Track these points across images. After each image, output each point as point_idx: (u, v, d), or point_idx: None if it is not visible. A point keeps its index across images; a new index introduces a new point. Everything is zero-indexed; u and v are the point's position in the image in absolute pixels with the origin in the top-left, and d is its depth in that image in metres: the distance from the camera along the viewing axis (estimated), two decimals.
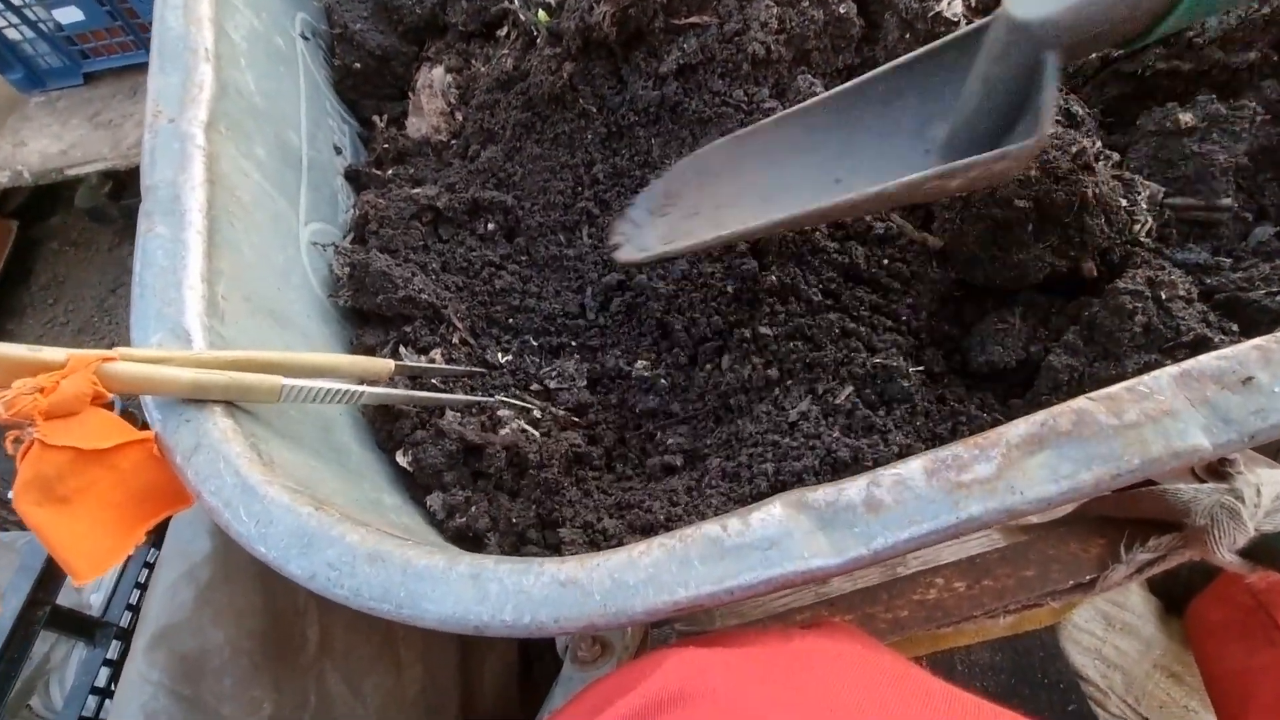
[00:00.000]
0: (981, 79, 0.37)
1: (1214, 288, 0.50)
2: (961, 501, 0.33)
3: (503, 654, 0.80)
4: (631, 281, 0.62)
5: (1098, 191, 0.47)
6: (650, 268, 0.63)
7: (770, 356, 0.54)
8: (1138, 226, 0.50)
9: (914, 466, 0.35)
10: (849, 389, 0.50)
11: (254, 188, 0.57)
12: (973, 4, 0.60)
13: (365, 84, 0.81)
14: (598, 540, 0.47)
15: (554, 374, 0.60)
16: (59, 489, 0.35)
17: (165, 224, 0.47)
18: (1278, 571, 0.54)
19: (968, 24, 0.63)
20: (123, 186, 1.39)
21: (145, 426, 0.41)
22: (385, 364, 0.52)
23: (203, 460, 0.38)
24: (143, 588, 0.61)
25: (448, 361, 0.59)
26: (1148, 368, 0.45)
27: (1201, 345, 0.45)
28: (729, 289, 0.58)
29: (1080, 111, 0.58)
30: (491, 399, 0.57)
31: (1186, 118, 0.54)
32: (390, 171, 0.73)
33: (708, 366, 0.57)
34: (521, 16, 0.69)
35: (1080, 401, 0.35)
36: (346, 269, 0.60)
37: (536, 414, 0.57)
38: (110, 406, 0.66)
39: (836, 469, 0.49)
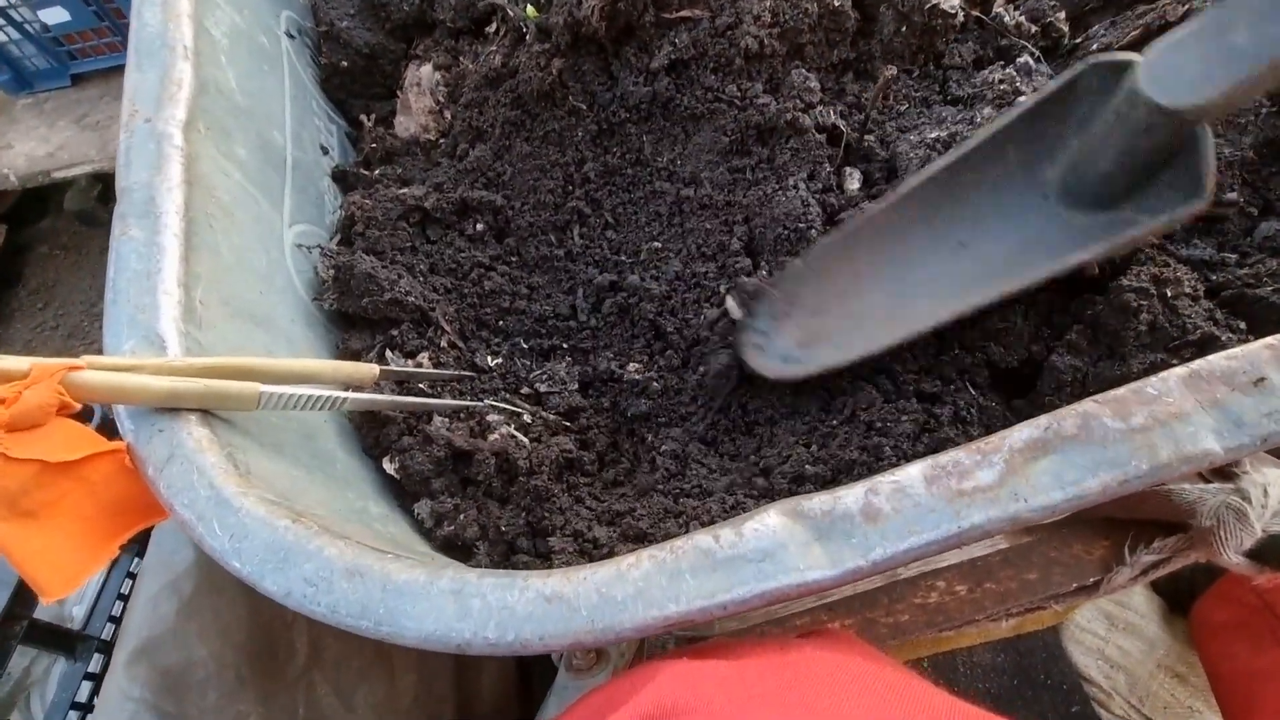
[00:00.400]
0: (1118, 147, 0.37)
1: (1220, 284, 0.48)
2: (963, 510, 0.32)
3: (500, 661, 0.79)
4: (623, 282, 0.61)
5: None
6: (643, 269, 0.61)
7: None
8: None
9: (913, 473, 0.33)
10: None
11: (235, 189, 0.56)
12: None
13: (353, 83, 0.79)
14: (588, 550, 0.46)
15: (544, 377, 0.59)
16: (24, 503, 0.34)
17: (140, 227, 0.46)
18: None
19: (964, 16, 0.61)
20: (112, 189, 1.37)
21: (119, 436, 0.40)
22: (370, 369, 0.50)
23: (176, 472, 0.37)
24: (126, 599, 0.59)
25: (436, 365, 0.58)
26: (1154, 367, 0.44)
27: (1209, 344, 0.44)
28: (721, 289, 0.57)
29: None
30: (480, 403, 0.56)
31: None
32: (378, 172, 0.72)
33: (700, 369, 0.56)
34: (510, 12, 0.67)
35: (1086, 404, 0.34)
36: (331, 271, 0.59)
37: (527, 418, 0.56)
38: (90, 416, 0.64)
39: (839, 472, 0.48)
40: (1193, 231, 0.52)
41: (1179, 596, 0.97)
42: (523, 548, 0.49)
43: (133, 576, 0.60)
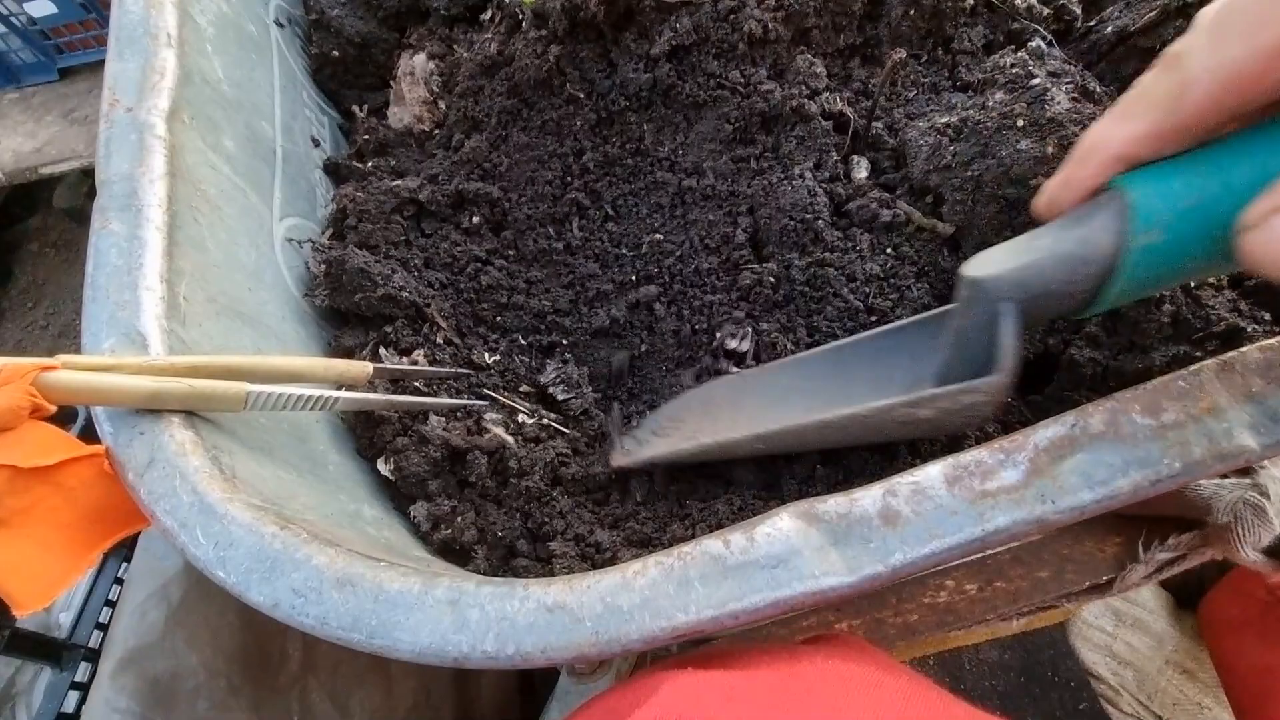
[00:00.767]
0: (953, 332, 0.39)
1: (1242, 273, 0.47)
2: (987, 512, 0.30)
3: None
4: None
5: None
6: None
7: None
8: None
9: (933, 474, 0.32)
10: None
11: (222, 181, 0.54)
12: None
13: (345, 73, 0.77)
14: (590, 554, 0.45)
15: (557, 380, 0.57)
16: None
17: (120, 220, 0.44)
18: None
19: None
20: None
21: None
22: (363, 367, 0.49)
23: (157, 476, 0.35)
24: (114, 605, 0.58)
25: (432, 363, 0.56)
26: (1177, 360, 0.43)
27: (1234, 336, 0.42)
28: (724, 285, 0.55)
29: (1096, 88, 0.55)
30: (477, 402, 0.54)
31: None
32: (371, 164, 0.70)
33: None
34: None
35: (1113, 400, 0.32)
36: (323, 266, 0.57)
37: (525, 418, 0.54)
38: (74, 419, 0.62)
39: (851, 472, 0.46)
40: None
41: (1187, 592, 0.96)
42: (522, 551, 0.47)
43: (121, 583, 0.58)
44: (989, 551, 0.54)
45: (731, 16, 0.56)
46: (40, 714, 0.51)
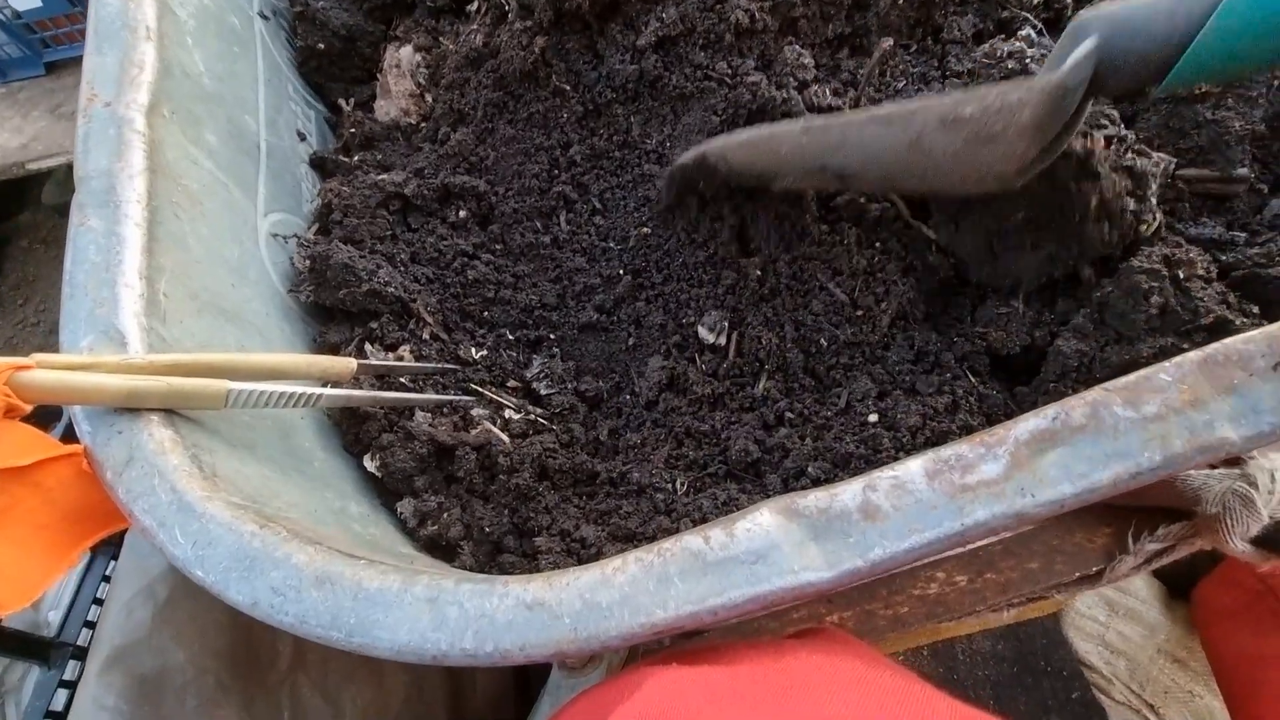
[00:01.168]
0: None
1: (1230, 265, 0.47)
2: (966, 506, 0.30)
3: None
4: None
5: (1102, 199, 0.44)
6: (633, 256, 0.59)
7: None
8: (1144, 227, 0.47)
9: (913, 468, 0.31)
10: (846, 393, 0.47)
11: (204, 176, 0.53)
12: None
13: (331, 66, 0.77)
14: (576, 549, 0.44)
15: (542, 375, 0.56)
16: None
17: (99, 217, 0.43)
18: None
19: None
20: None
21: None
22: (347, 363, 0.48)
23: (135, 475, 0.35)
24: (102, 603, 0.57)
25: (418, 358, 0.56)
26: (1163, 352, 0.42)
27: (1221, 328, 0.42)
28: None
29: None
30: (463, 397, 0.54)
31: None
32: (357, 158, 0.69)
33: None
34: None
35: (1095, 392, 0.32)
36: (307, 262, 0.57)
37: (512, 413, 0.54)
38: (58, 419, 0.62)
39: (836, 466, 0.46)
40: (1201, 209, 0.50)
41: (1180, 581, 0.96)
42: (509, 547, 0.47)
43: (109, 580, 0.58)
44: (972, 545, 0.54)
45: (718, 6, 0.56)
46: (29, 712, 0.51)
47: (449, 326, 0.59)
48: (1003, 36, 0.59)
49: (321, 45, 0.74)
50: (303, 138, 0.71)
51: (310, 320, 0.59)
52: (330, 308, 0.58)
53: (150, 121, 0.49)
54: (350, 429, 0.53)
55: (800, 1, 0.57)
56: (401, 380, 0.54)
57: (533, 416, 0.54)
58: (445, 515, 0.49)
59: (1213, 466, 0.50)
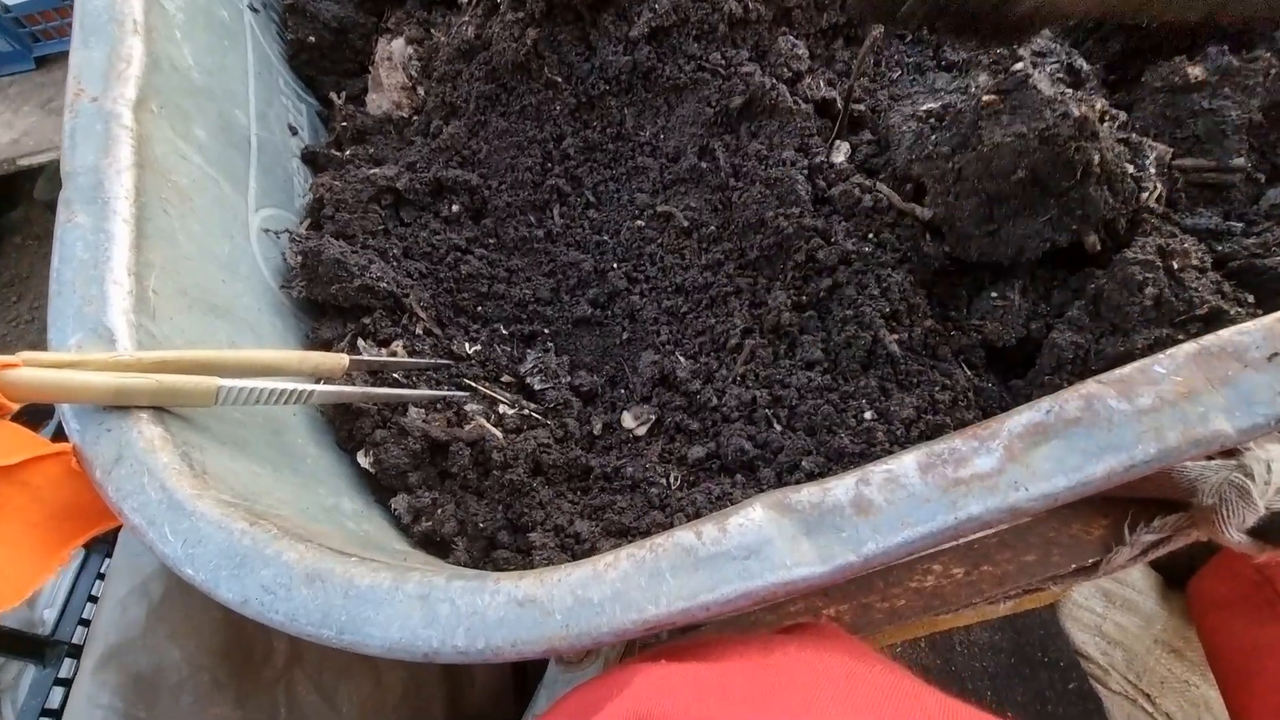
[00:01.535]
0: None
1: (1226, 255, 0.46)
2: (960, 500, 0.30)
3: None
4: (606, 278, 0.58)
5: (1102, 159, 0.43)
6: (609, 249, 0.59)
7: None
8: (1145, 194, 0.46)
9: (907, 462, 0.31)
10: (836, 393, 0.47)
11: (194, 172, 0.53)
12: None
13: (322, 59, 0.76)
14: (570, 545, 0.44)
15: (536, 370, 0.56)
16: None
17: (86, 213, 0.43)
18: None
19: None
20: None
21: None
22: (338, 359, 0.48)
23: (125, 474, 0.35)
24: (97, 601, 0.57)
25: (411, 354, 0.55)
26: (1159, 343, 0.42)
27: (1216, 318, 0.42)
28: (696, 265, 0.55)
29: (1084, 67, 0.54)
30: (457, 393, 0.53)
31: (1195, 72, 0.50)
32: (349, 152, 0.69)
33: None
34: None
35: (1089, 385, 0.32)
36: (299, 258, 0.56)
37: (506, 408, 0.53)
38: (49, 418, 0.62)
39: (830, 460, 0.46)
40: (1197, 199, 0.50)
41: (1177, 571, 0.96)
42: (503, 543, 0.47)
43: (104, 578, 0.58)
44: (964, 539, 0.54)
45: None
46: (25, 710, 0.51)
47: (442, 322, 0.59)
48: None
49: (312, 38, 0.74)
50: (294, 132, 0.71)
51: (303, 316, 0.59)
52: (323, 303, 0.57)
53: (138, 116, 0.49)
54: (343, 425, 0.52)
55: None
56: (395, 376, 0.53)
57: (527, 411, 0.54)
58: (439, 511, 0.48)
59: (1209, 458, 0.50)
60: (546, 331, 0.60)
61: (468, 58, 0.64)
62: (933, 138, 0.49)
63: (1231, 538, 0.51)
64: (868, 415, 0.45)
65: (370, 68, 0.74)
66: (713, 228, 0.57)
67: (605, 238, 0.60)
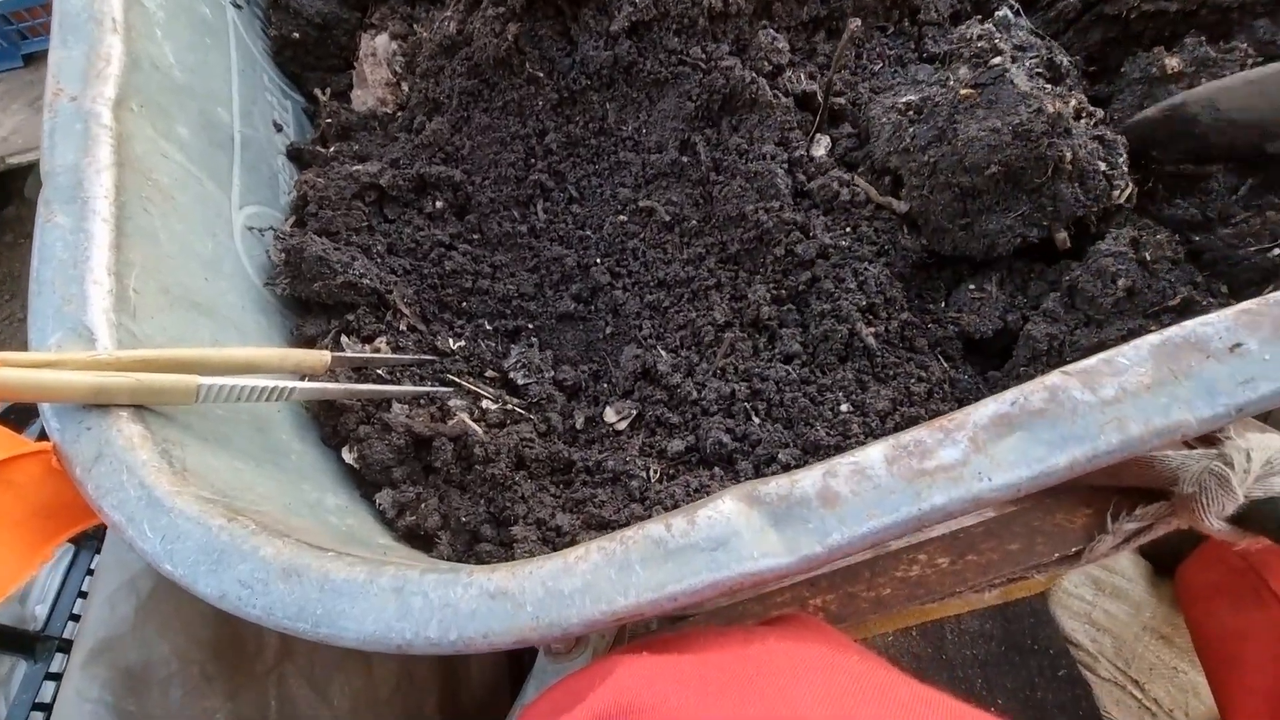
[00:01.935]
0: None
1: (1202, 246, 0.47)
2: (924, 491, 0.30)
3: None
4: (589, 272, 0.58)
5: (1074, 156, 0.43)
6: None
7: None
8: (1116, 192, 0.46)
9: (873, 454, 0.32)
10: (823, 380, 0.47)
11: (176, 170, 0.53)
12: None
13: (307, 55, 0.76)
14: (551, 538, 0.45)
15: (519, 365, 0.57)
16: None
17: (65, 213, 0.43)
18: (1269, 538, 0.52)
19: None
20: None
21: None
22: (320, 356, 0.48)
23: (104, 471, 0.35)
24: (87, 596, 0.58)
25: (395, 350, 0.56)
26: (1132, 334, 0.43)
27: (1188, 308, 0.42)
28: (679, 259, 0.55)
29: (1063, 61, 0.54)
30: (439, 388, 0.54)
31: (1173, 62, 0.50)
32: (334, 148, 0.69)
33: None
34: None
35: (1054, 376, 0.32)
36: (282, 255, 0.57)
37: (489, 403, 0.54)
38: (34, 416, 0.62)
39: (806, 452, 0.46)
40: (1175, 190, 0.50)
41: (1165, 559, 0.97)
42: (486, 536, 0.47)
43: (94, 574, 0.58)
44: (958, 525, 0.54)
45: None
46: (16, 705, 0.52)
47: (426, 317, 0.59)
48: (979, 18, 0.58)
49: (296, 34, 0.73)
50: (279, 129, 0.71)
51: (287, 313, 0.59)
52: (307, 300, 0.58)
53: (118, 115, 0.49)
54: (328, 422, 0.53)
55: None
56: (379, 372, 0.54)
57: (510, 406, 0.54)
58: (423, 506, 0.49)
59: (1190, 446, 0.51)
60: (530, 327, 0.60)
61: (450, 53, 0.64)
62: (910, 130, 0.49)
63: (1212, 526, 0.52)
64: (844, 407, 0.46)
65: (355, 63, 0.74)
66: (694, 222, 0.57)
67: (588, 233, 0.60)
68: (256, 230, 0.61)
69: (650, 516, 0.44)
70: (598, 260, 0.59)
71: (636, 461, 0.48)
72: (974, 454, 0.31)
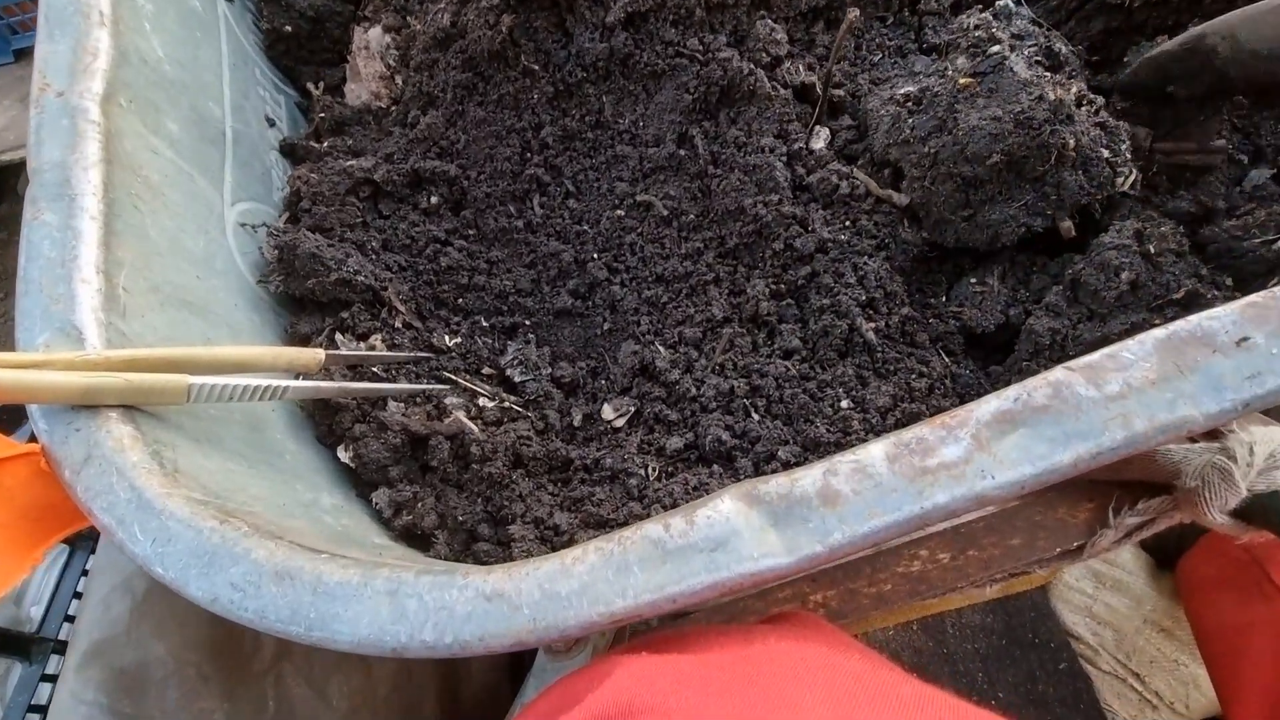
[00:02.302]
0: None
1: (1207, 238, 0.46)
2: (926, 489, 0.30)
3: None
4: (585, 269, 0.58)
5: (1077, 143, 0.43)
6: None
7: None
8: (1120, 179, 0.46)
9: (875, 452, 0.31)
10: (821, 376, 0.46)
11: (166, 166, 0.52)
12: None
13: (299, 48, 0.75)
14: (549, 537, 0.44)
15: (516, 362, 0.56)
16: None
17: (52, 210, 0.42)
18: (1272, 532, 0.52)
19: None
20: None
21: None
22: (314, 354, 0.48)
23: (94, 473, 0.35)
24: (82, 597, 0.57)
25: (391, 347, 0.55)
26: (1135, 328, 0.42)
27: (1193, 302, 0.41)
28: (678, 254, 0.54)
29: (1064, 50, 0.53)
30: (434, 386, 0.53)
31: None
32: (328, 143, 0.68)
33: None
34: None
35: (1057, 372, 0.32)
36: (275, 252, 0.56)
37: (486, 401, 0.53)
38: (24, 418, 0.61)
39: (807, 450, 0.46)
40: (1179, 182, 0.50)
41: (1166, 552, 0.97)
42: (483, 536, 0.47)
43: (89, 574, 0.58)
44: (942, 526, 0.54)
45: None
46: (12, 706, 0.52)
47: (422, 314, 0.58)
48: (980, 7, 0.57)
49: (289, 27, 0.73)
50: (272, 124, 0.70)
51: (281, 311, 0.58)
52: (300, 298, 0.57)
53: (106, 111, 0.48)
54: (323, 421, 0.52)
55: None
56: (374, 370, 0.53)
57: (507, 404, 0.54)
58: (419, 505, 0.48)
59: (1192, 440, 0.50)
60: (527, 323, 0.59)
61: (444, 46, 0.63)
62: (910, 121, 0.48)
63: (1214, 519, 0.51)
64: (844, 404, 0.45)
65: (348, 57, 0.73)
66: (692, 216, 0.56)
67: (585, 227, 0.60)
68: (249, 227, 0.60)
69: (649, 515, 0.44)
70: (595, 255, 0.59)
71: (635, 459, 0.48)
72: (977, 451, 0.31)
